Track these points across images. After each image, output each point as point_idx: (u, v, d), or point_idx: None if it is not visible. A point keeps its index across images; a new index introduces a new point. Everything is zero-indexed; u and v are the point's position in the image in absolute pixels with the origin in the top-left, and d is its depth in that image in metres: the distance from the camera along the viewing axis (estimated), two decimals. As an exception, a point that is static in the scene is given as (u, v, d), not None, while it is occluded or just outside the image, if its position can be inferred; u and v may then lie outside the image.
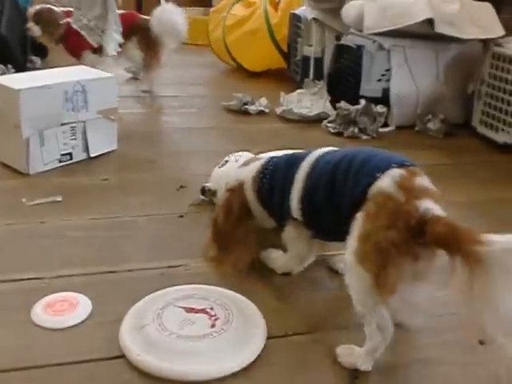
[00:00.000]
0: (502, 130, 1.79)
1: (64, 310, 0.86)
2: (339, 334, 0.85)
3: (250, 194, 0.97)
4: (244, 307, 0.87)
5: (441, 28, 1.82)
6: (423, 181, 0.76)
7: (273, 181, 0.94)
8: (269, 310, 0.87)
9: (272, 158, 0.98)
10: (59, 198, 1.25)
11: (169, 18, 2.11)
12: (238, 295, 0.90)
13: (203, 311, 0.84)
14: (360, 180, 0.78)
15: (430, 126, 1.91)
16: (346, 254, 0.76)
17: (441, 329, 0.88)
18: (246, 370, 0.76)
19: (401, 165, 0.77)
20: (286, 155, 0.98)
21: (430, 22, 1.83)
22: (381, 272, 0.71)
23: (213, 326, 0.81)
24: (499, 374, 0.77)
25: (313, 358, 0.80)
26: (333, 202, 0.83)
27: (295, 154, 0.97)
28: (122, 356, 0.78)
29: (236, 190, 0.98)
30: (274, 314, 0.88)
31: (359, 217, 0.75)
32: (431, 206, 0.72)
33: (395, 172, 0.75)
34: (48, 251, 1.05)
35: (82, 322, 0.85)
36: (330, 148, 0.93)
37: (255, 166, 0.98)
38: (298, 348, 0.82)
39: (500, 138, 1.79)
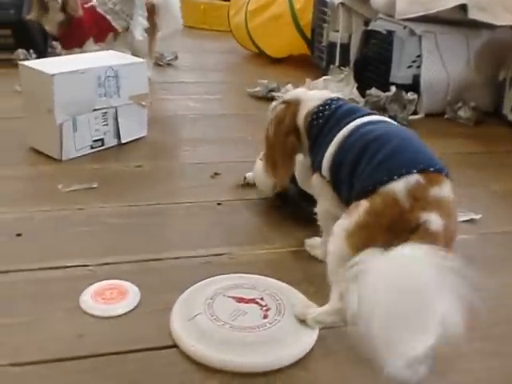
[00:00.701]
0: (535, 118, 1.76)
1: (114, 297, 0.85)
2: (392, 325, 0.84)
3: (301, 122, 0.96)
4: (293, 296, 0.86)
5: (474, 14, 1.78)
6: (439, 190, 0.74)
7: (323, 127, 0.93)
8: (316, 299, 0.86)
9: (332, 101, 0.96)
10: (95, 185, 1.24)
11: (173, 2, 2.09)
12: (284, 284, 0.89)
13: (253, 301, 0.83)
14: (377, 173, 0.77)
15: (461, 113, 1.88)
16: (336, 226, 0.78)
17: (492, 321, 0.87)
18: (301, 360, 0.75)
19: (425, 169, 0.75)
20: (345, 105, 0.95)
21: (462, 7, 1.79)
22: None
23: (265, 316, 0.79)
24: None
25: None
26: (352, 179, 0.83)
27: (353, 108, 0.95)
28: (175, 346, 0.77)
29: (291, 104, 0.97)
30: (322, 303, 0.86)
31: (363, 204, 0.75)
32: (432, 219, 0.71)
33: (413, 178, 0.74)
34: (89, 238, 1.04)
35: (132, 309, 0.84)
36: (377, 117, 0.91)
37: (315, 100, 0.96)
38: (350, 339, 0.81)
39: (532, 126, 1.76)
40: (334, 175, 0.89)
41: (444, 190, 0.75)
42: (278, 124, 0.98)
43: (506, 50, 1.90)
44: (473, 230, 1.14)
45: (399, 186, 0.73)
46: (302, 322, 0.80)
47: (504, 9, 1.84)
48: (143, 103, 1.52)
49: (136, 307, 0.84)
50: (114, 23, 1.98)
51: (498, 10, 1.83)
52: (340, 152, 0.87)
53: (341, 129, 0.88)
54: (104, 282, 0.89)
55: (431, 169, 0.75)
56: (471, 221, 1.17)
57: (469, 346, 0.80)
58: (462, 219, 1.18)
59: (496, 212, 1.25)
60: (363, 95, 1.89)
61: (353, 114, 0.91)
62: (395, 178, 0.74)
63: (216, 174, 1.33)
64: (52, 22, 1.88)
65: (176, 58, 2.55)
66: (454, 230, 0.75)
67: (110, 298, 0.85)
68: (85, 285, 0.88)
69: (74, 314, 0.83)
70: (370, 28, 2.04)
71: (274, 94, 2.00)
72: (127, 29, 2.01)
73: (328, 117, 0.93)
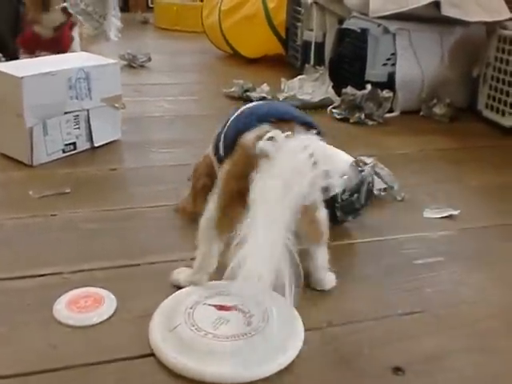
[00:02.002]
0: (509, 113, 1.77)
1: (88, 306, 0.82)
2: (376, 324, 0.83)
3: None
4: (275, 300, 0.83)
5: (447, 10, 1.79)
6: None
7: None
8: (299, 302, 0.84)
9: None
10: (68, 190, 1.20)
11: None
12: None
13: (235, 308, 0.80)
14: (235, 129, 0.84)
15: (436, 110, 1.88)
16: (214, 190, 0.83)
17: (476, 316, 0.86)
18: (289, 365, 0.73)
19: (278, 119, 0.79)
20: None
21: (435, 4, 1.80)
22: (221, 212, 0.80)
23: (249, 323, 0.77)
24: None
25: (351, 350, 0.77)
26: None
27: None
28: (152, 354, 0.75)
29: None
30: (305, 304, 0.85)
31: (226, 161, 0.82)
32: None
33: (263, 128, 0.77)
34: (63, 245, 1.00)
35: (108, 318, 0.81)
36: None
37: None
38: (335, 340, 0.79)
39: (507, 121, 1.77)
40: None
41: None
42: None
43: (479, 47, 1.92)
44: (452, 226, 1.14)
45: (249, 135, 0.78)
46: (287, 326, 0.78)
47: (477, 5, 1.85)
48: (116, 105, 1.48)
49: (112, 315, 0.81)
50: (86, 24, 1.94)
51: (470, 6, 1.84)
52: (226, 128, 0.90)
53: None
54: (79, 290, 0.86)
55: (284, 118, 0.80)
56: (450, 217, 1.17)
57: (453, 343, 0.80)
58: (441, 215, 1.17)
59: (474, 207, 1.25)
60: (339, 94, 1.89)
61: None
62: (248, 131, 0.79)
63: (192, 175, 1.31)
64: (51, 23, 1.84)
65: (149, 59, 2.52)
66: None
67: (84, 307, 0.82)
68: (59, 293, 0.85)
69: (47, 324, 0.80)
70: (344, 26, 2.04)
71: (249, 94, 1.99)
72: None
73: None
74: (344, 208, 1.07)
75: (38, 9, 1.83)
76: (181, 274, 0.90)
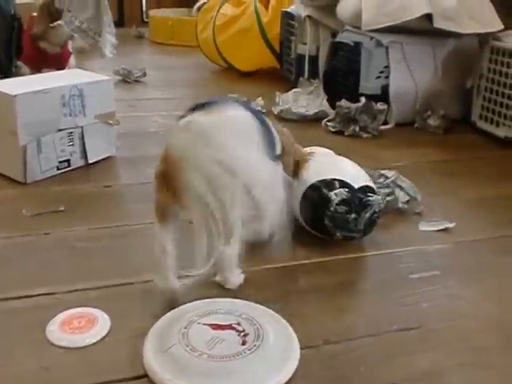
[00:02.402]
0: (503, 124, 1.78)
1: (82, 326, 0.81)
2: (372, 340, 0.82)
3: None
4: (270, 319, 0.83)
5: (440, 23, 1.80)
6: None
7: None
8: (294, 319, 0.84)
9: None
10: (62, 208, 1.20)
11: None
12: (261, 306, 0.86)
13: (230, 327, 0.79)
14: None
15: (430, 122, 1.89)
16: None
17: (472, 331, 0.86)
18: (284, 384, 0.73)
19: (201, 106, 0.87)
20: None
21: (427, 17, 1.81)
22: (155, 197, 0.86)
23: (244, 342, 0.76)
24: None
25: (348, 368, 0.77)
26: None
27: None
28: (147, 375, 0.74)
29: None
30: (300, 322, 0.84)
31: None
32: None
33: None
34: (57, 264, 1.00)
35: (102, 339, 0.80)
36: None
37: None
38: (331, 358, 0.79)
39: (501, 132, 1.78)
40: None
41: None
42: None
43: (472, 58, 1.93)
44: (448, 239, 1.14)
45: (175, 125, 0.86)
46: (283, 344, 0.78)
47: (469, 17, 1.86)
48: (110, 122, 1.48)
49: (106, 336, 0.81)
50: (82, 41, 1.95)
51: (462, 18, 1.85)
52: None
53: None
54: (72, 311, 0.85)
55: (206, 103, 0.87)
56: (446, 230, 1.16)
57: (449, 359, 0.79)
58: (436, 228, 1.17)
59: (470, 220, 1.24)
60: (333, 107, 1.90)
61: None
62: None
63: (187, 191, 1.30)
64: (59, 39, 1.85)
65: (144, 74, 2.52)
66: None
67: (78, 328, 0.81)
68: (52, 314, 0.84)
69: (40, 345, 0.79)
70: (337, 40, 2.05)
71: (244, 108, 1.99)
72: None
73: None
74: (335, 220, 1.04)
75: (46, 24, 1.84)
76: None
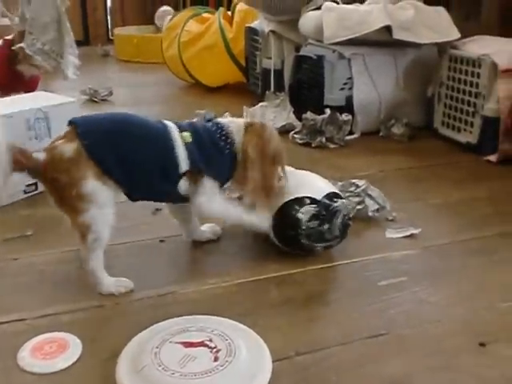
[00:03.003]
0: (464, 130, 1.83)
1: (53, 352, 0.81)
2: (343, 349, 0.84)
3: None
4: (242, 333, 0.84)
5: (398, 34, 1.85)
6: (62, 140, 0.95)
7: None
8: (266, 332, 0.85)
9: None
10: (29, 232, 1.19)
11: None
12: (232, 321, 0.87)
13: (202, 344, 0.80)
14: None
15: (395, 130, 1.93)
16: None
17: (440, 335, 0.88)
18: (256, 398, 0.73)
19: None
20: None
21: (387, 28, 1.86)
22: None
23: (216, 359, 0.76)
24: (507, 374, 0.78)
25: (319, 378, 0.78)
26: None
27: None
28: (121, 396, 0.74)
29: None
30: (272, 335, 0.85)
31: None
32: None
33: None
34: (25, 289, 0.99)
35: (74, 363, 0.80)
36: None
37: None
38: (304, 369, 0.80)
39: (462, 138, 1.83)
40: None
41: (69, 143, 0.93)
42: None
43: (432, 67, 1.98)
44: (414, 245, 1.16)
45: None
46: (255, 358, 0.78)
47: (427, 27, 1.92)
48: (77, 143, 1.47)
49: (78, 360, 0.80)
50: (44, 63, 1.94)
51: (420, 29, 1.90)
52: None
53: None
54: (43, 336, 0.84)
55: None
56: (412, 236, 1.19)
57: (418, 363, 0.81)
58: (403, 235, 1.20)
59: (435, 224, 1.28)
60: (300, 119, 1.92)
61: None
62: None
63: (157, 209, 1.31)
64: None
65: (111, 93, 2.52)
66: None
67: (49, 353, 0.81)
68: (22, 340, 0.83)
69: (11, 372, 0.78)
70: (300, 53, 2.09)
71: (212, 123, 2.01)
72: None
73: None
74: (310, 236, 1.06)
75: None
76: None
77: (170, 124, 1.02)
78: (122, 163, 0.95)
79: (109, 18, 4.62)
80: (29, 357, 0.80)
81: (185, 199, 1.03)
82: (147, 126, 1.01)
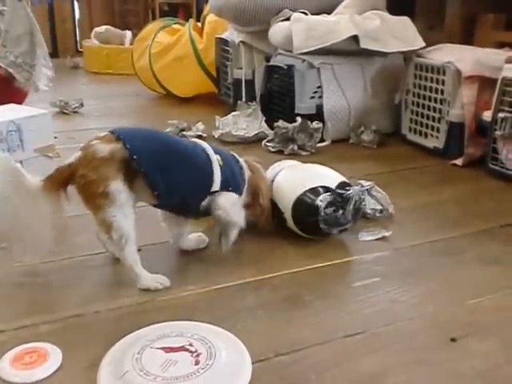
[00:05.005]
0: (431, 135, 1.89)
1: (33, 361, 0.81)
2: (321, 348, 0.86)
3: None
4: (221, 337, 0.85)
5: (365, 43, 1.91)
6: (102, 144, 0.99)
7: None
8: (245, 335, 0.86)
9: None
10: (3, 245, 1.18)
11: None
12: (211, 326, 0.89)
13: (183, 349, 0.81)
14: None
15: (364, 137, 1.98)
16: None
17: (413, 331, 0.91)
18: (236, 399, 0.75)
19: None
20: None
21: (354, 38, 1.91)
22: None
23: (197, 362, 0.78)
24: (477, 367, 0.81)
25: (299, 378, 0.80)
26: None
27: None
28: (103, 403, 0.74)
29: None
30: (251, 337, 0.87)
31: None
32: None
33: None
34: (2, 302, 0.98)
35: (55, 372, 0.80)
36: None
37: None
38: (283, 369, 0.82)
39: (429, 143, 1.89)
40: None
41: (105, 144, 0.98)
42: None
43: (398, 75, 2.05)
44: (386, 247, 1.20)
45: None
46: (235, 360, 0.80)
47: (392, 37, 1.98)
48: (50, 155, 1.48)
49: (58, 369, 0.81)
50: (17, 76, 1.93)
51: (387, 38, 1.96)
52: None
53: None
54: (22, 347, 0.84)
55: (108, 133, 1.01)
56: (383, 238, 1.23)
57: (393, 360, 0.84)
58: (375, 237, 1.24)
59: (406, 227, 1.32)
60: (272, 127, 1.96)
61: None
62: None
63: (133, 219, 1.31)
64: None
65: (81, 105, 2.52)
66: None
67: (30, 363, 0.81)
68: (2, 352, 0.83)
69: (-9, 385, 0.78)
70: (271, 63, 2.13)
71: (184, 133, 2.02)
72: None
73: None
74: (328, 221, 1.17)
75: None
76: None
77: (205, 144, 1.11)
78: (160, 168, 1.01)
79: (77, 29, 4.60)
80: (9, 367, 0.80)
81: (199, 214, 1.12)
82: (189, 147, 1.09)
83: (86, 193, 0.98)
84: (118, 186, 0.96)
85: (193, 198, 1.08)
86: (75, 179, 0.98)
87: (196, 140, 1.15)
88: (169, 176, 1.01)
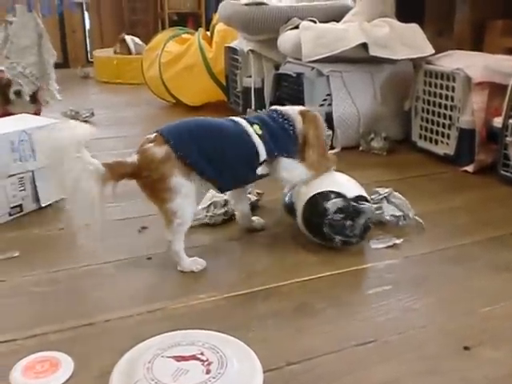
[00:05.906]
0: (441, 142, 1.88)
1: (45, 370, 0.81)
2: (332, 357, 0.85)
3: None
4: (233, 346, 0.85)
5: (375, 51, 1.91)
6: (149, 144, 1.10)
7: None
8: (256, 344, 0.86)
9: None
10: (16, 254, 1.19)
11: None
12: (222, 334, 0.88)
13: (194, 358, 0.80)
14: None
15: (374, 144, 1.98)
16: None
17: (424, 340, 0.90)
18: (248, 408, 0.74)
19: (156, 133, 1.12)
20: None
21: (363, 46, 1.91)
22: None
23: (208, 371, 0.77)
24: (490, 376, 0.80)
25: (310, 387, 0.80)
26: None
27: None
28: (114, 413, 0.74)
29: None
30: (262, 346, 0.87)
31: None
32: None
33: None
34: (15, 310, 0.99)
35: (66, 381, 0.80)
36: None
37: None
38: (294, 378, 0.81)
39: (440, 150, 1.88)
40: None
41: (159, 147, 1.08)
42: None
43: (408, 82, 2.04)
44: (397, 255, 1.19)
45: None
46: (246, 369, 0.80)
47: (401, 44, 1.98)
48: (61, 164, 1.48)
49: (70, 377, 0.81)
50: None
51: (395, 45, 1.96)
52: None
53: None
54: (34, 356, 0.84)
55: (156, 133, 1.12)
56: (394, 246, 1.22)
57: (404, 368, 0.83)
58: (386, 245, 1.23)
59: (416, 235, 1.31)
60: (281, 135, 1.95)
61: None
62: None
63: (143, 227, 1.32)
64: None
65: (92, 114, 2.54)
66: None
67: (41, 372, 0.81)
68: (14, 361, 0.83)
69: (3, 393, 0.78)
70: (280, 71, 2.13)
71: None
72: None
73: None
74: (333, 227, 1.16)
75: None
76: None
77: (239, 120, 1.19)
78: (206, 157, 1.11)
79: (88, 40, 4.65)
80: (21, 376, 0.80)
81: (261, 177, 1.22)
82: (223, 124, 1.18)
83: (150, 190, 1.10)
84: (178, 180, 1.08)
85: (245, 174, 1.18)
86: (140, 179, 1.09)
87: (233, 118, 1.22)
88: (216, 163, 1.11)
